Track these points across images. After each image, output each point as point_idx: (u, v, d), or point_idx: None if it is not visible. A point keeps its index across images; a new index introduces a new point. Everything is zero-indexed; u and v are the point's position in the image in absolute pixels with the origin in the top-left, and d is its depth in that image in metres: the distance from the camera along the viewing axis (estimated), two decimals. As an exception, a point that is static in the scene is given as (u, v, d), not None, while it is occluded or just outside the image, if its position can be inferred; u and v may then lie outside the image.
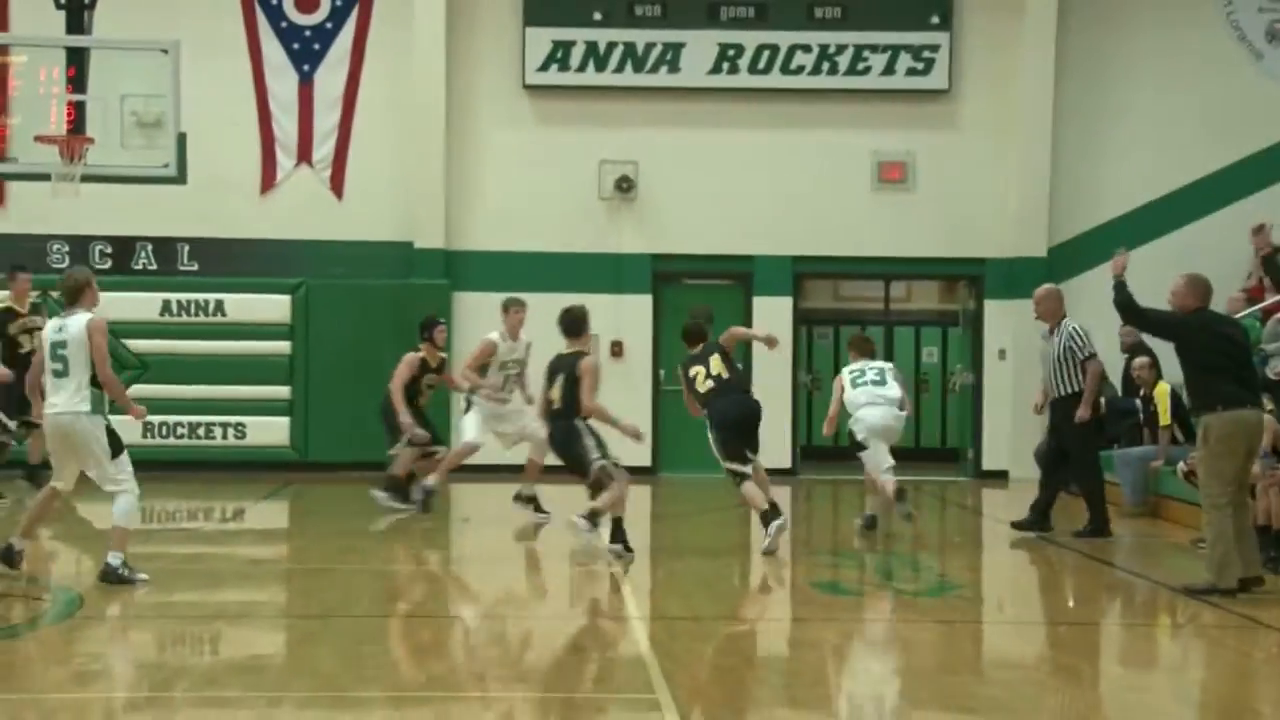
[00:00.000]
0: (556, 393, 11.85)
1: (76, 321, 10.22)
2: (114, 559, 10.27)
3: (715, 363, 12.68)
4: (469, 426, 14.14)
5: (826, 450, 18.55)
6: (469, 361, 14.19)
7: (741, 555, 12.85)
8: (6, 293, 15.39)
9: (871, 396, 13.73)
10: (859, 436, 13.72)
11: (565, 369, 11.86)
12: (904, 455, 16.78)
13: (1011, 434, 19.08)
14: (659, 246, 19.22)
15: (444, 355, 15.11)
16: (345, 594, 10.36)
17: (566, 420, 11.81)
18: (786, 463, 18.97)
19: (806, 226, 19.24)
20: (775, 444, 18.82)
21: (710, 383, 12.62)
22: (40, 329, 14.20)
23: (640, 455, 18.25)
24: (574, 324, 12.07)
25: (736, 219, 19.17)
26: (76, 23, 16.18)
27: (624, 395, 17.75)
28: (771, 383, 18.65)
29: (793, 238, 19.24)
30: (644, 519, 14.85)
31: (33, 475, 15.01)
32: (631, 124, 19.15)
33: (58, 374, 10.20)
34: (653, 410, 18.96)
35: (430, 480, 14.20)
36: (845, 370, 14.04)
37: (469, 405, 14.22)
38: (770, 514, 12.23)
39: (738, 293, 19.35)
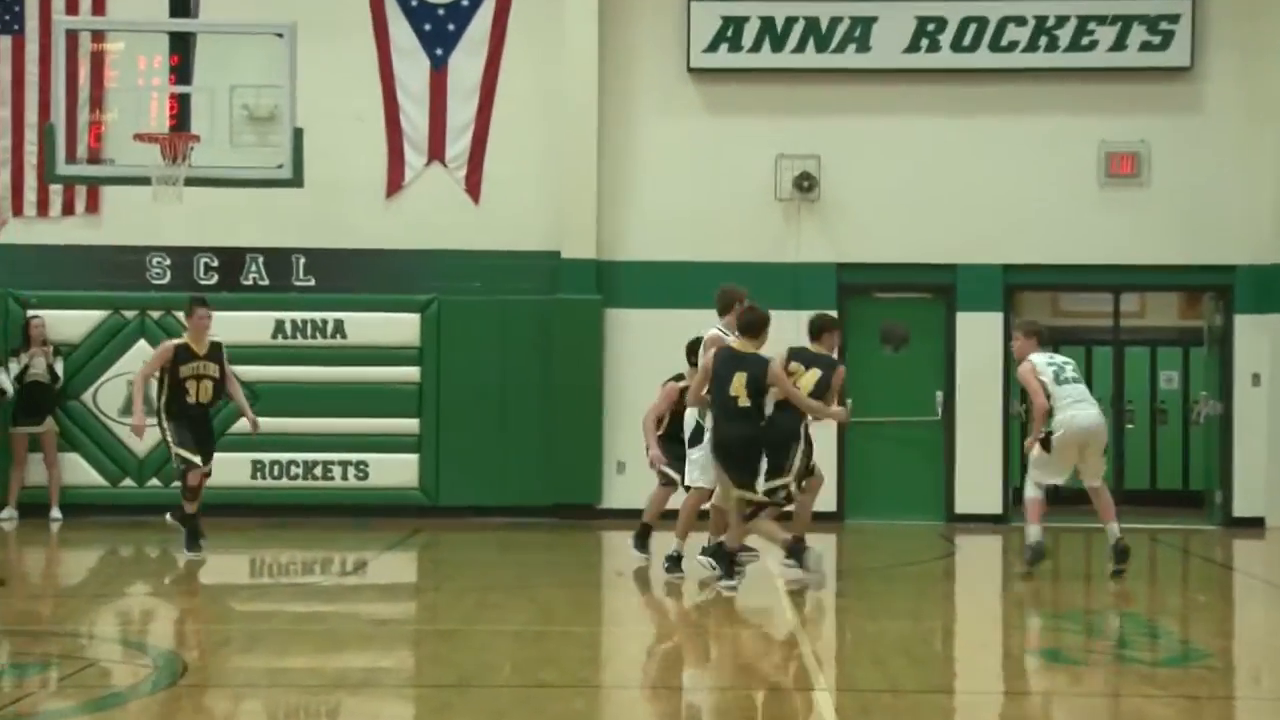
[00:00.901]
0: (740, 389, 12.88)
1: None
2: None
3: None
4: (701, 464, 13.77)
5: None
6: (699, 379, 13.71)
7: (945, 615, 12.68)
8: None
9: (1080, 394, 13.92)
10: (1056, 436, 13.81)
11: (749, 367, 12.97)
12: (1139, 499, 16.58)
13: (1268, 473, 18.63)
14: (845, 254, 19.10)
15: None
16: (483, 659, 10.38)
17: (756, 422, 12.92)
18: (997, 507, 18.71)
19: (1020, 230, 18.99)
20: (984, 486, 18.60)
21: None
22: (214, 377, 14.53)
23: (825, 499, 18.16)
24: (755, 323, 13.10)
25: (937, 222, 18.99)
26: (182, 5, 16.46)
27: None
28: (979, 411, 18.45)
29: (1003, 243, 19.00)
30: (829, 572, 14.72)
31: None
32: (814, 112, 19.07)
33: None
34: (838, 444, 18.79)
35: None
36: (1042, 359, 14.05)
37: (698, 433, 13.79)
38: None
39: (938, 308, 19.16)
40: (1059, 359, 14.30)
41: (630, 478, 18.07)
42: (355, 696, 9.44)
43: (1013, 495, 19.12)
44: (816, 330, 13.88)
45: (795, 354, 13.71)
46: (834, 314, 13.82)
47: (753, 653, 11.16)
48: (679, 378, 14.54)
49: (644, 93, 19.22)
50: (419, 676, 10.26)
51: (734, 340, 13.33)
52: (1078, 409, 13.89)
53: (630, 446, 17.89)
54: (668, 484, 14.56)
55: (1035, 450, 14.06)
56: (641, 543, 14.54)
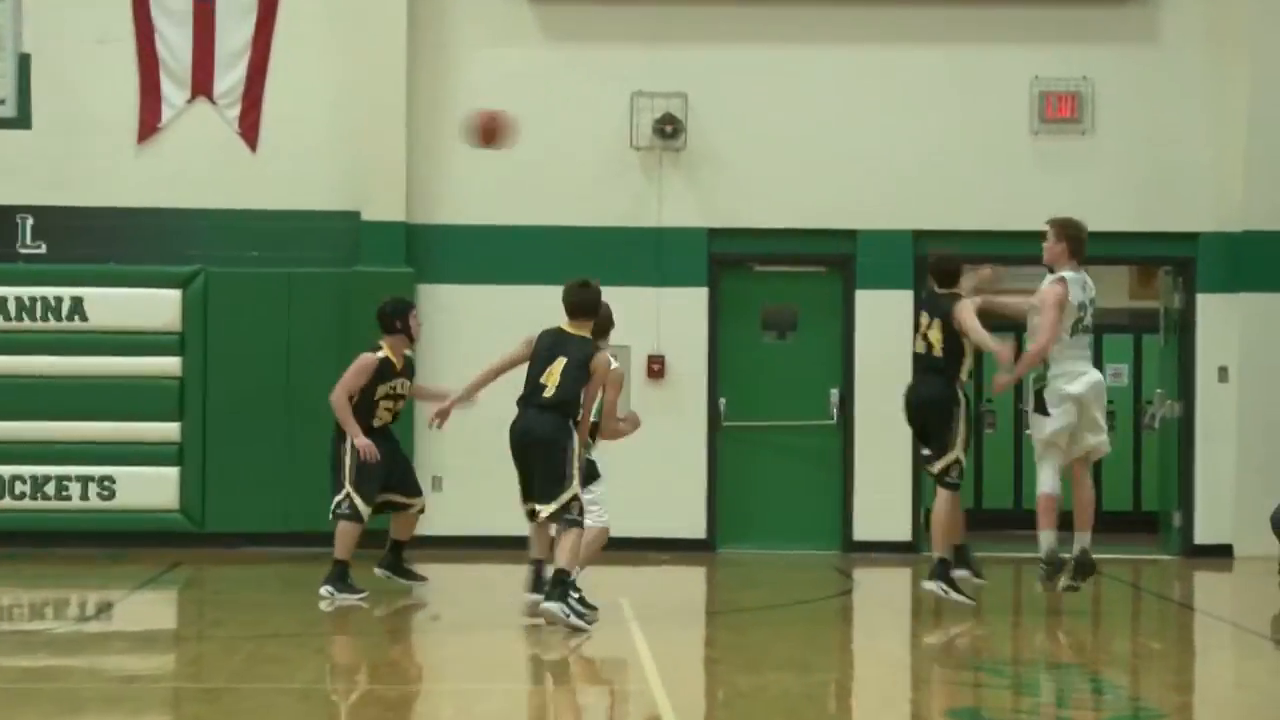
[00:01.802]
0: (555, 377, 13.60)
1: None
2: None
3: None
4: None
5: (996, 516, 18.66)
6: None
7: (839, 666, 12.79)
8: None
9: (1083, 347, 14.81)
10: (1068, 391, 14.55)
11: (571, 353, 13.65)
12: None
13: (1237, 491, 18.94)
14: (718, 218, 19.21)
15: (409, 354, 15.17)
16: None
17: (559, 417, 13.56)
18: (906, 533, 18.93)
19: (934, 189, 19.19)
20: (889, 507, 18.81)
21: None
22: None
23: (692, 524, 18.27)
24: (588, 302, 13.76)
25: (832, 178, 19.14)
26: None
27: (668, 431, 17.67)
28: (883, 414, 18.63)
29: (913, 205, 19.19)
30: (697, 612, 14.80)
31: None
32: (679, 39, 19.17)
33: None
34: (709, 455, 18.89)
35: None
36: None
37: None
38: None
39: (833, 283, 19.36)
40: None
41: (449, 496, 18.07)
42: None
43: (924, 518, 19.32)
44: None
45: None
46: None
47: (598, 715, 11.20)
48: None
49: (465, 13, 19.20)
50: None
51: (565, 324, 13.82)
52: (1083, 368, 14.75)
53: (451, 457, 17.89)
54: None
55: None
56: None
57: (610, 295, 14.15)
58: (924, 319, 15.06)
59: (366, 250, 18.85)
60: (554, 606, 13.39)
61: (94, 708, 11.06)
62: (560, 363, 13.68)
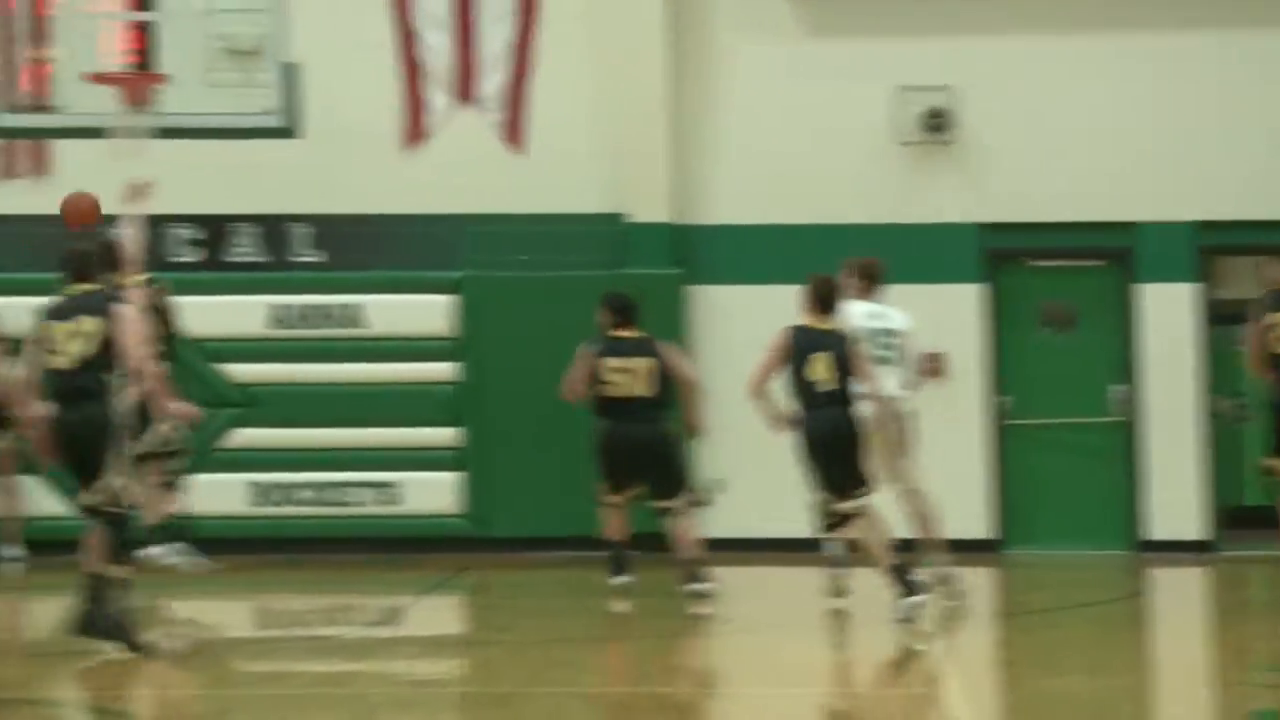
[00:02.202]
0: (826, 373, 13.92)
1: None
2: None
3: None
4: None
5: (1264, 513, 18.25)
6: None
7: (1136, 669, 12.71)
8: None
9: None
10: None
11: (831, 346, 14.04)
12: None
13: None
14: (991, 212, 19.10)
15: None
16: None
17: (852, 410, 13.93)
18: (1200, 532, 18.72)
19: (1219, 176, 18.94)
20: (1180, 505, 18.55)
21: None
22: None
23: (973, 524, 18.15)
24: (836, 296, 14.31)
25: (1110, 168, 18.96)
26: (145, -91, 16.60)
27: (944, 429, 17.54)
28: (1170, 408, 18.38)
29: (1196, 194, 18.96)
30: (985, 615, 14.73)
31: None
32: (947, 30, 19.10)
33: None
34: (993, 454, 18.78)
35: None
36: None
37: None
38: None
39: (1112, 277, 19.19)
40: None
41: (730, 499, 18.07)
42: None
43: (1221, 517, 19.05)
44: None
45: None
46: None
47: (896, 717, 11.19)
48: None
49: (725, 11, 19.23)
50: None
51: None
52: None
53: (731, 460, 17.88)
54: None
55: None
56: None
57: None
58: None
59: (633, 252, 18.93)
60: (912, 602, 13.45)
61: (385, 713, 11.27)
62: (824, 357, 13.84)
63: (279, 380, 18.64)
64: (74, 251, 13.33)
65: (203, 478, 18.11)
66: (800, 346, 14.01)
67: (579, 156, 19.17)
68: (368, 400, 18.18)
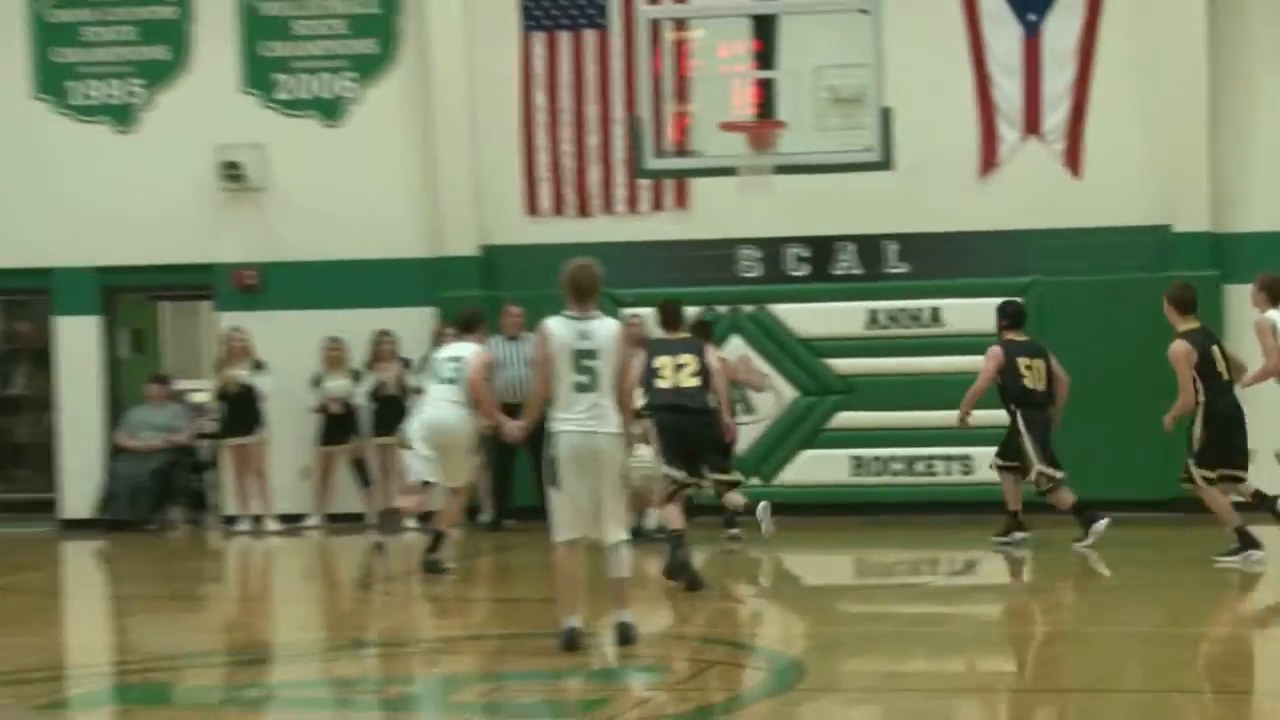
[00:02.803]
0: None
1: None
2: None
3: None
4: None
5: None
6: None
7: None
8: None
9: None
10: None
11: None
12: None
13: None
14: None
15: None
16: (1110, 663, 10.55)
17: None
18: None
19: None
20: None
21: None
22: None
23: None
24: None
25: None
26: (761, -12, 17.08)
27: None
28: None
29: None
30: None
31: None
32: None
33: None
34: None
35: None
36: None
37: None
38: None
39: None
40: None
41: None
42: (976, 701, 9.75)
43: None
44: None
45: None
46: None
47: None
48: None
49: (1263, 45, 18.71)
50: (1042, 681, 10.49)
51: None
52: None
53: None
54: None
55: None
56: None
57: None
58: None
59: (1178, 257, 18.64)
60: None
61: (969, 648, 11.44)
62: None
63: (874, 372, 18.81)
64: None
65: (811, 453, 18.67)
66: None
67: (1128, 177, 18.97)
68: (947, 387, 18.18)
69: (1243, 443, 14.39)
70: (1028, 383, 15.63)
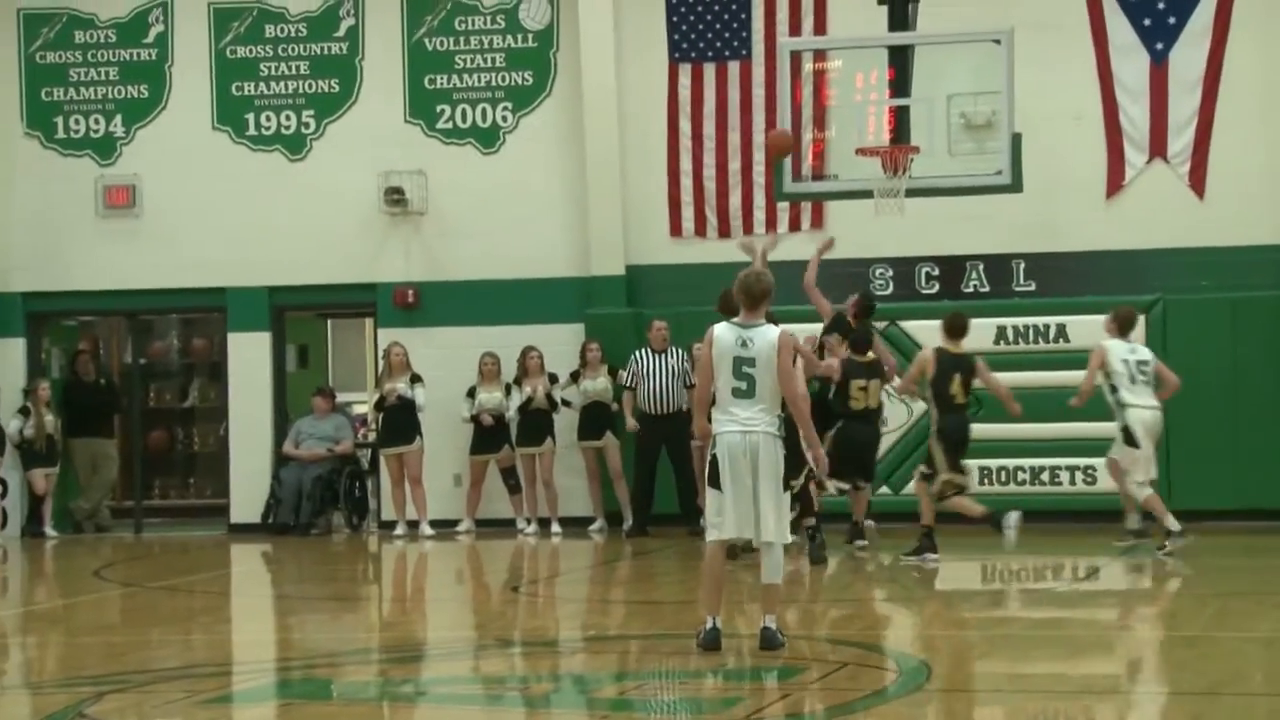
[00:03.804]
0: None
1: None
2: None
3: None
4: None
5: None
6: None
7: None
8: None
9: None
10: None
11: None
12: None
13: None
14: None
15: None
16: (1233, 667, 10.36)
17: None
18: None
19: None
20: None
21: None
22: None
23: None
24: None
25: None
26: (900, 19, 16.88)
27: None
28: None
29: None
30: None
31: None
32: None
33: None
34: None
35: None
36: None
37: None
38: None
39: None
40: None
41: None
42: (1102, 703, 9.60)
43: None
44: None
45: None
46: None
47: None
48: None
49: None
50: (1165, 684, 10.29)
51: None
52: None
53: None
54: None
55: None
56: None
57: None
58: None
59: (1304, 276, 18.44)
60: None
61: (1094, 651, 11.25)
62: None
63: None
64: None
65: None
66: None
67: (1252, 197, 18.76)
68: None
69: None
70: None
